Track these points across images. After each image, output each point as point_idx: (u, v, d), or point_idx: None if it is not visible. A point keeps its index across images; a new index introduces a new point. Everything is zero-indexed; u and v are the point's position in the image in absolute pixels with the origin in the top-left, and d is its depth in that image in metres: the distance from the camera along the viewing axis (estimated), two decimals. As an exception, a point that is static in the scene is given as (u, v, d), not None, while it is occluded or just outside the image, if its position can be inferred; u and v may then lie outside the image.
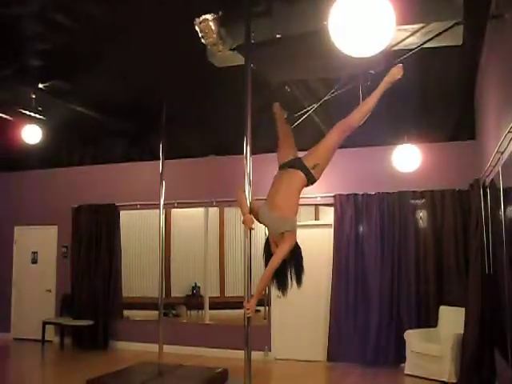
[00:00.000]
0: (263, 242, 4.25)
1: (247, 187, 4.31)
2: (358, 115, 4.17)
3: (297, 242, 4.04)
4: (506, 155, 4.68)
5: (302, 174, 4.08)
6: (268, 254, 4.12)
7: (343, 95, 6.14)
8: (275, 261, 3.94)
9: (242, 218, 4.09)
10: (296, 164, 4.15)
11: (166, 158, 7.47)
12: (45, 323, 10.11)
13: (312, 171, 4.09)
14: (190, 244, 10.93)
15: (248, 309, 4.05)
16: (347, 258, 8.53)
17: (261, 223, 4.18)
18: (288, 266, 4.00)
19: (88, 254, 10.21)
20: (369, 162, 8.52)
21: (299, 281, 4.02)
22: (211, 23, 4.81)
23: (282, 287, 4.04)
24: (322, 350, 8.58)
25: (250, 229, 4.12)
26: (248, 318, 4.06)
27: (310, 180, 4.13)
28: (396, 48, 4.83)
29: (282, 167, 4.25)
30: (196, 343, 9.30)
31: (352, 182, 8.58)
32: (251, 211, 4.13)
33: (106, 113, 8.39)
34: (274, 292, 8.08)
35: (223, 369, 7.40)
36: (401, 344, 7.81)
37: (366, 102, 4.20)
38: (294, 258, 4.01)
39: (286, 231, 3.94)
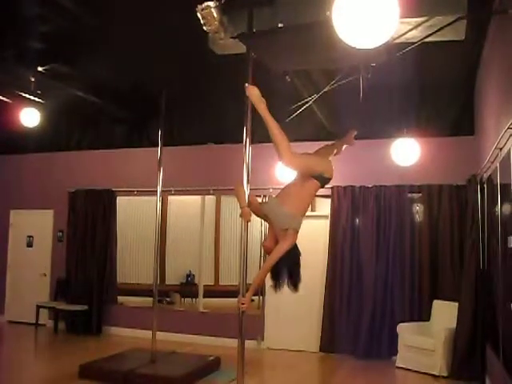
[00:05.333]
0: (259, 233, 4.31)
1: (245, 176, 4.33)
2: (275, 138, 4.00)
3: (298, 248, 4.09)
4: (504, 151, 4.68)
5: (312, 179, 4.11)
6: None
7: (344, 87, 6.14)
8: (274, 256, 3.98)
9: (240, 210, 4.13)
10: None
11: (164, 144, 7.45)
12: (39, 307, 10.12)
13: (323, 175, 4.12)
14: (186, 232, 10.93)
15: (243, 304, 4.10)
16: (342, 250, 8.54)
17: (259, 217, 4.21)
18: (284, 269, 4.01)
19: (84, 239, 10.20)
20: (367, 155, 8.51)
21: (295, 287, 4.06)
22: (213, 10, 4.79)
23: (276, 287, 4.08)
24: (315, 340, 8.61)
25: (248, 221, 4.18)
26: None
27: (323, 182, 4.15)
28: (398, 41, 4.81)
29: None
30: (189, 331, 9.32)
31: (349, 174, 8.56)
32: (249, 204, 4.17)
33: (105, 98, 8.38)
34: (269, 282, 8.09)
35: (216, 357, 7.43)
36: (393, 337, 7.84)
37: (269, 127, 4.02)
38: (292, 262, 4.04)
39: (290, 228, 3.95)
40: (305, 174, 4.13)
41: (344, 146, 4.96)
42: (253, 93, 4.10)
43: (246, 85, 4.21)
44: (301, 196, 4.10)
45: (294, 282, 4.05)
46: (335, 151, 4.79)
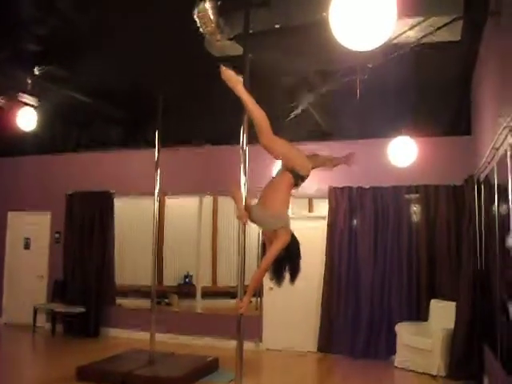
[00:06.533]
0: (256, 234, 4.31)
1: (243, 177, 4.34)
2: (254, 115, 4.02)
3: (296, 239, 4.09)
4: (501, 151, 4.69)
5: (288, 174, 4.13)
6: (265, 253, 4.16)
7: (340, 87, 6.15)
8: (268, 259, 3.98)
9: (237, 213, 4.14)
10: (283, 167, 4.22)
11: (161, 146, 7.45)
12: (36, 309, 10.10)
13: (296, 171, 4.12)
14: (183, 233, 10.95)
15: (241, 307, 4.11)
16: (340, 251, 8.55)
17: (252, 222, 4.21)
18: (285, 262, 4.01)
19: (81, 241, 10.18)
20: (364, 155, 8.48)
21: (293, 278, 4.05)
22: (210, 12, 4.80)
23: (277, 281, 4.07)
24: (313, 341, 8.61)
25: (245, 224, 4.19)
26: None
27: (297, 178, 4.15)
28: (394, 41, 4.83)
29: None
30: (188, 332, 9.31)
31: (346, 174, 8.55)
32: (246, 208, 4.17)
33: (102, 100, 8.37)
34: (266, 283, 8.10)
35: (214, 358, 7.43)
36: (391, 337, 7.85)
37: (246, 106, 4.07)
38: (292, 254, 4.04)
39: (278, 228, 3.96)
40: (281, 160, 4.16)
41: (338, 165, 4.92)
42: (229, 75, 4.02)
43: (221, 66, 4.07)
44: (278, 195, 4.09)
45: (293, 273, 4.05)
46: (326, 165, 4.75)
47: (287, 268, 4.02)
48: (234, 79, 4.00)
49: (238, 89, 4.01)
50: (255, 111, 3.96)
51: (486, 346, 6.26)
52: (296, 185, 4.18)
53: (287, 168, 4.12)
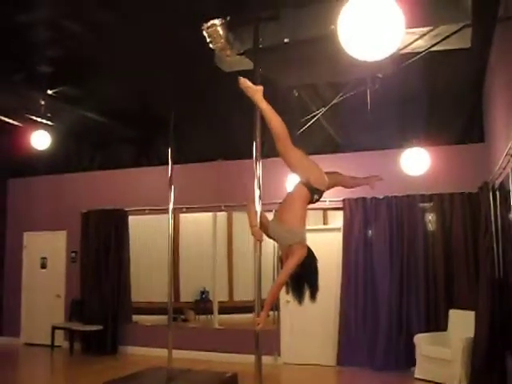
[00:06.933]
0: (272, 248, 4.29)
1: (257, 192, 4.34)
2: (272, 124, 4.02)
3: (313, 254, 4.06)
4: (515, 158, 4.66)
5: (304, 188, 4.10)
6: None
7: (351, 99, 6.16)
8: (284, 274, 3.97)
9: (251, 230, 4.13)
10: (299, 181, 4.19)
11: (174, 162, 7.47)
12: (54, 328, 10.14)
13: (311, 184, 4.10)
14: (199, 249, 10.94)
15: (258, 323, 4.09)
16: (356, 262, 8.50)
17: (269, 237, 4.20)
18: (302, 279, 3.99)
19: (97, 259, 10.22)
20: (377, 166, 8.47)
21: (313, 295, 4.03)
22: (219, 28, 4.84)
23: (297, 299, 4.05)
24: (332, 354, 8.55)
25: (259, 241, 4.17)
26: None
27: (313, 192, 4.13)
28: (404, 51, 4.83)
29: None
30: (205, 348, 9.28)
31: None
32: (260, 224, 4.17)
33: (114, 118, 8.44)
34: (283, 296, 8.07)
35: (233, 373, 7.38)
36: (410, 348, 7.77)
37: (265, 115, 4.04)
38: (308, 270, 4.01)
39: (294, 243, 3.95)
40: (296, 171, 4.14)
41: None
42: (248, 84, 4.03)
43: (240, 78, 4.06)
44: (294, 210, 4.07)
45: (312, 291, 4.03)
46: (347, 183, 4.78)
47: (306, 285, 4.00)
48: (253, 88, 4.02)
49: (256, 97, 4.02)
50: (273, 119, 3.97)
51: (508, 355, 6.18)
52: (312, 200, 4.16)
53: (302, 182, 4.10)
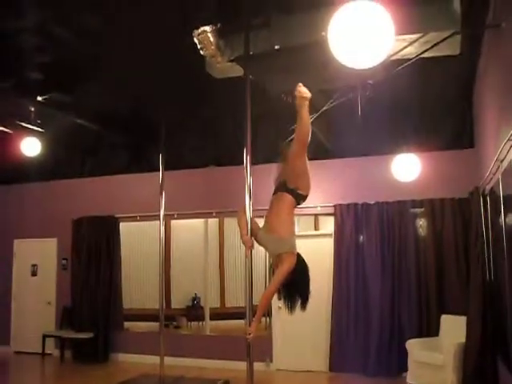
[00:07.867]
0: (263, 256, 4.30)
1: (248, 199, 4.34)
2: (300, 131, 4.05)
3: (304, 262, 4.07)
4: (505, 163, 4.68)
5: (289, 196, 4.11)
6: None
7: (342, 105, 6.17)
8: (274, 284, 3.99)
9: (241, 239, 4.15)
10: (282, 187, 4.18)
11: (165, 169, 7.46)
12: (45, 336, 10.07)
13: (298, 190, 4.11)
14: (190, 255, 10.92)
15: (250, 333, 4.10)
16: (348, 268, 8.51)
17: (260, 245, 4.21)
18: (293, 287, 4.00)
19: (88, 266, 10.17)
20: (368, 172, 8.53)
21: (303, 304, 4.03)
22: (210, 35, 4.85)
23: (288, 308, 4.05)
24: (324, 360, 8.54)
25: (249, 249, 4.19)
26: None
27: (298, 198, 4.14)
28: (394, 58, 4.85)
29: (274, 192, 4.28)
30: (197, 355, 9.24)
31: (351, 191, 8.58)
32: (252, 232, 4.18)
33: (105, 125, 8.42)
34: (275, 303, 8.06)
35: (225, 380, 7.37)
36: (402, 353, 7.76)
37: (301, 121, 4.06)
38: (299, 279, 4.02)
39: (284, 252, 3.95)
40: (291, 175, 4.13)
41: None
42: (305, 91, 4.03)
43: (299, 85, 4.05)
44: (281, 218, 4.08)
45: (303, 299, 4.03)
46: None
47: (297, 293, 4.01)
48: (308, 96, 4.02)
49: (305, 103, 4.01)
50: (306, 127, 4.00)
51: (499, 359, 6.19)
52: (298, 204, 4.17)
53: (287, 188, 4.10)
